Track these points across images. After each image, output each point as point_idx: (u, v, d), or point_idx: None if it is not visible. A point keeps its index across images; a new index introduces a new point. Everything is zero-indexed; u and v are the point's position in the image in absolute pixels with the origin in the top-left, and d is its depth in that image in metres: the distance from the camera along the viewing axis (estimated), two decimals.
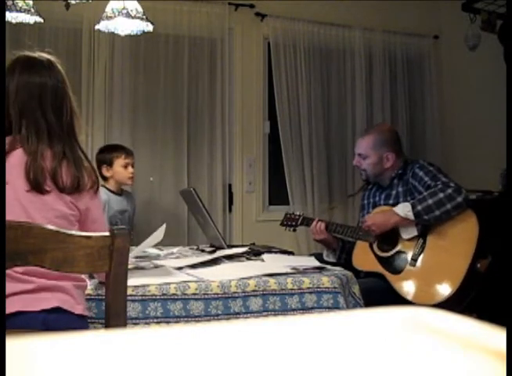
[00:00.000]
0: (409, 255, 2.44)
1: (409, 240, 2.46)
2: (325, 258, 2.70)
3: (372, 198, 2.72)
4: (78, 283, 1.54)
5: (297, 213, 2.83)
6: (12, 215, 1.41)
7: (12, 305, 1.39)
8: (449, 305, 2.19)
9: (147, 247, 2.01)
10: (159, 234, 2.01)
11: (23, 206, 1.50)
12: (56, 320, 1.45)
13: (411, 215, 2.38)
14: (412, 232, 2.44)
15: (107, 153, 3.12)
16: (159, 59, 3.70)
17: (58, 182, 1.53)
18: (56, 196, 1.54)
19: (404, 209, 2.41)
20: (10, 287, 1.39)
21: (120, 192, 3.17)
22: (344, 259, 2.67)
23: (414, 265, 2.42)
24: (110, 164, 3.08)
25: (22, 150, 1.54)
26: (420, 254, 2.42)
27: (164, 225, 2.05)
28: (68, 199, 1.55)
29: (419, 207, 2.37)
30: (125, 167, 3.10)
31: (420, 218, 2.38)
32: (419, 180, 2.49)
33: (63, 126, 1.60)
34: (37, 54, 1.65)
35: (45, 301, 1.46)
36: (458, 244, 2.39)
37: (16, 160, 1.52)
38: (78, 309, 1.50)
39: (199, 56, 3.80)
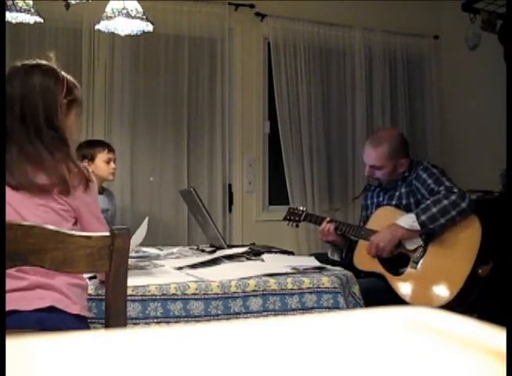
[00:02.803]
0: (411, 258, 2.43)
1: None
2: (329, 256, 2.70)
3: (375, 198, 2.71)
4: (75, 282, 1.53)
5: (301, 208, 2.79)
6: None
7: (6, 304, 1.39)
8: (449, 308, 2.18)
9: (134, 245, 2.02)
10: (143, 229, 2.02)
11: (10, 205, 1.51)
12: (52, 320, 1.44)
13: (416, 226, 2.35)
14: (417, 243, 2.43)
15: (90, 148, 2.99)
16: (159, 59, 3.70)
17: (38, 184, 1.54)
18: (44, 194, 1.55)
19: (408, 220, 2.38)
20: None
21: (100, 190, 3.00)
22: (350, 258, 2.66)
23: (415, 268, 2.41)
24: (92, 159, 2.96)
25: None
26: (421, 257, 2.41)
27: (147, 219, 2.06)
28: (56, 196, 1.57)
29: (423, 217, 2.35)
30: (107, 162, 3.00)
31: (425, 227, 2.36)
32: (422, 182, 2.48)
33: (41, 131, 1.58)
34: (23, 62, 1.63)
35: (39, 300, 1.45)
36: (460, 248, 2.38)
37: None
38: (74, 308, 1.48)
39: (199, 56, 3.80)
